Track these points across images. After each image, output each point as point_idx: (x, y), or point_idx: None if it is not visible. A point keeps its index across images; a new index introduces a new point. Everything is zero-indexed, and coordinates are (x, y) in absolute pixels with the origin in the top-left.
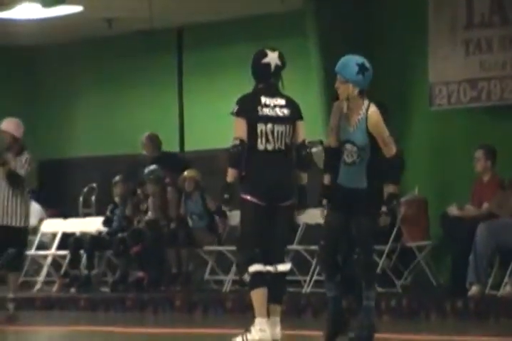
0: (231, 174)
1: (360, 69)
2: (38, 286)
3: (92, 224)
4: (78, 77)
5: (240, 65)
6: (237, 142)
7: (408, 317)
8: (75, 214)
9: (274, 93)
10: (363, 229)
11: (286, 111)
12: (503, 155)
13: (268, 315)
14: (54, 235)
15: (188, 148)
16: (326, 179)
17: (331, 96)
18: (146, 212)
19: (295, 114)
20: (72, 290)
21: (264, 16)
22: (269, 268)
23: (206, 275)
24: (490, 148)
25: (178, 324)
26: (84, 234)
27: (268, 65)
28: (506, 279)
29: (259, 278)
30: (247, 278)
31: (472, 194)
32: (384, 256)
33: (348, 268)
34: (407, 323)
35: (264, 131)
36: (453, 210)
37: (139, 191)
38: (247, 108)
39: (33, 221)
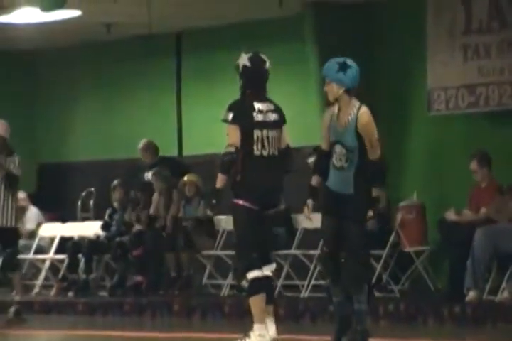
0: (221, 180)
1: (341, 67)
2: (36, 290)
3: (90, 229)
4: (77, 82)
5: None
6: (232, 149)
7: (406, 322)
8: (73, 218)
9: (264, 98)
10: (351, 235)
11: (276, 115)
12: (501, 161)
13: None
14: (52, 239)
15: (186, 152)
16: (314, 180)
17: (329, 101)
18: (139, 219)
19: (282, 118)
20: (70, 294)
21: (263, 21)
22: (266, 272)
23: (204, 280)
24: (482, 155)
25: (177, 328)
26: (82, 238)
27: (267, 71)
28: (504, 284)
29: (257, 285)
30: (245, 284)
31: (470, 199)
32: (382, 261)
33: None
34: (404, 328)
35: (260, 137)
36: (451, 215)
37: (137, 195)
38: (242, 114)
39: (31, 225)
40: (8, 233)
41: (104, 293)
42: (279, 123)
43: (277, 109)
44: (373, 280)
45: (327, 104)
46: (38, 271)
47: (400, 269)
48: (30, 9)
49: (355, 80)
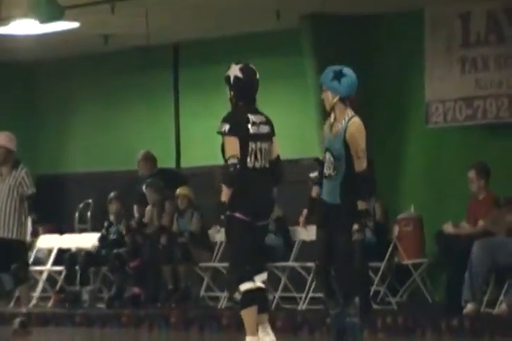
0: (226, 193)
1: (336, 76)
2: (33, 302)
3: (88, 240)
4: (75, 93)
5: None
6: (235, 161)
7: (404, 334)
8: (70, 229)
9: (256, 110)
10: (339, 246)
11: (267, 128)
12: (498, 174)
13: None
14: (50, 251)
15: (184, 164)
16: (314, 191)
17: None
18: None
19: (272, 130)
20: (67, 305)
21: (260, 34)
22: (259, 284)
23: (202, 292)
24: (482, 167)
25: (174, 340)
26: (79, 250)
27: (258, 82)
28: (501, 297)
29: (250, 297)
30: (237, 296)
31: (467, 211)
32: (379, 273)
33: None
34: None
35: (254, 149)
36: (448, 228)
37: (135, 208)
38: (238, 126)
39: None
40: (15, 246)
41: (101, 305)
42: (270, 135)
43: (268, 121)
44: (371, 292)
45: (325, 116)
46: (36, 282)
47: (397, 281)
48: (28, 21)
49: (350, 89)
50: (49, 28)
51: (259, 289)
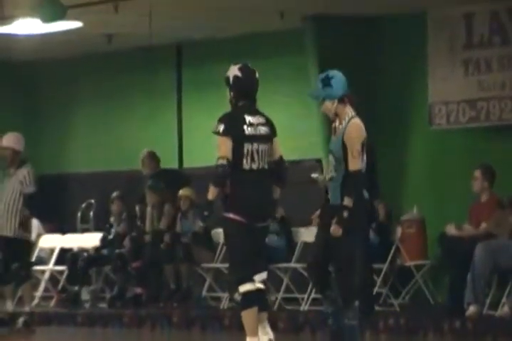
0: (213, 192)
1: (325, 83)
2: (35, 301)
3: (90, 240)
4: (77, 93)
5: None
6: (224, 162)
7: (406, 336)
8: (72, 229)
9: (255, 111)
10: (340, 249)
11: (266, 129)
12: (501, 176)
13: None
14: (52, 250)
15: (186, 164)
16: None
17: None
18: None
19: (273, 131)
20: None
21: (264, 34)
22: (259, 285)
23: (204, 292)
24: (488, 168)
25: (176, 340)
26: (82, 250)
27: (258, 81)
28: (504, 299)
29: (250, 298)
30: (237, 297)
31: (470, 213)
32: (382, 275)
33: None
34: None
35: (250, 151)
36: (451, 230)
37: (137, 208)
38: (233, 127)
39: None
40: (19, 245)
41: (103, 305)
42: (270, 136)
43: (268, 122)
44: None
45: (328, 117)
46: (38, 282)
47: (400, 283)
48: (30, 20)
49: (343, 87)
50: (52, 28)
51: (258, 290)
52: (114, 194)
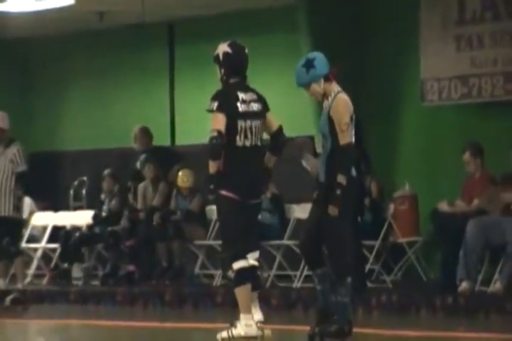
0: (213, 166)
1: (307, 67)
2: (28, 279)
3: (83, 218)
4: (70, 70)
5: None
6: (215, 134)
7: (398, 312)
8: (65, 207)
9: (247, 87)
10: (328, 226)
11: (259, 105)
12: (493, 152)
13: None
14: (44, 228)
15: (178, 142)
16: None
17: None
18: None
19: (265, 107)
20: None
21: (256, 11)
22: (252, 262)
23: (196, 270)
24: (476, 147)
25: (168, 318)
26: (74, 228)
27: (247, 57)
28: (496, 276)
29: (243, 275)
30: (231, 274)
31: (462, 190)
32: (374, 251)
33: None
34: (397, 319)
35: (243, 128)
36: (443, 206)
37: (129, 184)
38: (227, 104)
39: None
40: (11, 223)
41: (96, 283)
42: (262, 112)
43: (260, 98)
44: (366, 270)
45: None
46: (30, 260)
47: (392, 260)
48: None
49: (326, 65)
50: (44, 5)
51: (252, 267)
52: (106, 171)
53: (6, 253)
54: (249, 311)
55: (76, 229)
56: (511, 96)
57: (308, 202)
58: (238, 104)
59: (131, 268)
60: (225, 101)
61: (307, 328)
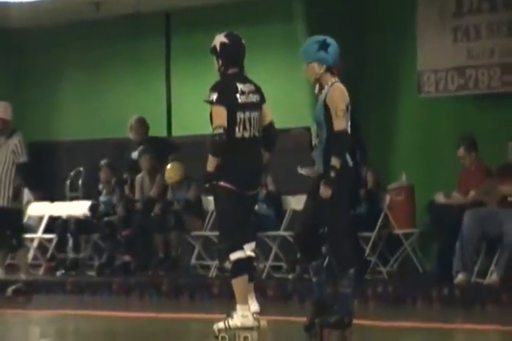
0: (212, 163)
1: (321, 46)
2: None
3: (79, 208)
4: (66, 60)
5: None
6: (222, 131)
7: (394, 304)
8: (61, 197)
9: (245, 78)
10: (326, 217)
11: (257, 96)
12: (489, 143)
13: None
14: (41, 218)
15: (175, 132)
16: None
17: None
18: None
19: (262, 98)
20: (59, 273)
21: (253, 1)
22: (249, 253)
23: (193, 260)
24: (469, 141)
25: (164, 308)
26: (70, 218)
27: (245, 48)
28: (492, 267)
29: (240, 266)
30: (228, 265)
31: (459, 182)
32: (370, 243)
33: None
34: (393, 310)
35: (242, 119)
36: (440, 198)
37: (125, 175)
38: (227, 96)
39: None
40: (12, 214)
41: (92, 273)
42: (260, 104)
43: (257, 90)
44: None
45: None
46: (27, 250)
47: (388, 251)
48: None
49: (336, 57)
50: None
51: (249, 258)
52: (103, 161)
53: (9, 245)
54: (245, 302)
55: (72, 219)
56: (508, 87)
57: (304, 194)
58: (237, 96)
59: (127, 258)
60: (225, 92)
61: (303, 319)
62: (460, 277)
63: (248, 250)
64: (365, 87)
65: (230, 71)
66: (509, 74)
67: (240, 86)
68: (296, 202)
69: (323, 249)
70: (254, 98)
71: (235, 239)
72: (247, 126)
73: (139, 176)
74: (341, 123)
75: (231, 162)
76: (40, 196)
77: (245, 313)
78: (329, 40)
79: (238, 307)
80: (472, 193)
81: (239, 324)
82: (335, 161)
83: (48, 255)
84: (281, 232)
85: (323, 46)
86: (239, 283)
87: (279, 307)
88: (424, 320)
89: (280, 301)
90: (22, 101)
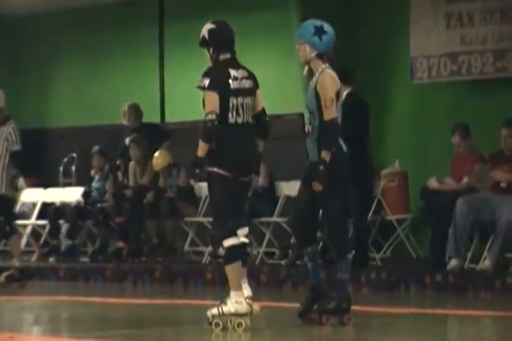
0: (203, 148)
1: (317, 31)
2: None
3: (72, 194)
4: (59, 47)
5: None
6: (213, 117)
7: (387, 290)
8: (55, 183)
9: (238, 64)
10: (323, 203)
11: (250, 82)
12: (482, 129)
13: None
14: (34, 205)
15: (168, 119)
16: None
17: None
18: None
19: (255, 84)
20: (52, 259)
21: None
22: (243, 239)
23: (186, 247)
24: (463, 129)
25: (158, 295)
26: (64, 204)
27: (233, 31)
28: (485, 253)
29: (234, 252)
30: (221, 251)
31: (452, 168)
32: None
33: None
34: (386, 296)
35: (235, 105)
36: (433, 183)
37: (118, 162)
38: (219, 81)
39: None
40: (4, 201)
41: (85, 259)
42: (253, 89)
43: (251, 75)
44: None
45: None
46: (20, 236)
47: (382, 237)
48: None
49: (329, 46)
50: None
51: (242, 244)
52: (94, 148)
53: (2, 232)
54: (239, 288)
55: (66, 205)
56: (501, 73)
57: (298, 180)
58: (230, 81)
59: (120, 244)
60: (217, 78)
61: (296, 305)
62: (453, 263)
63: (241, 235)
64: (357, 73)
65: (222, 57)
66: (502, 60)
67: (232, 71)
68: (289, 188)
69: (318, 234)
70: (247, 84)
71: (229, 225)
72: (240, 112)
73: (131, 163)
74: (330, 112)
75: (225, 148)
76: (34, 182)
77: (239, 299)
78: (327, 28)
79: (232, 293)
80: (465, 179)
81: (233, 310)
82: (324, 154)
83: (41, 241)
84: (275, 218)
85: (319, 32)
86: (233, 270)
87: (272, 293)
88: (418, 306)
89: (273, 287)
90: (16, 87)
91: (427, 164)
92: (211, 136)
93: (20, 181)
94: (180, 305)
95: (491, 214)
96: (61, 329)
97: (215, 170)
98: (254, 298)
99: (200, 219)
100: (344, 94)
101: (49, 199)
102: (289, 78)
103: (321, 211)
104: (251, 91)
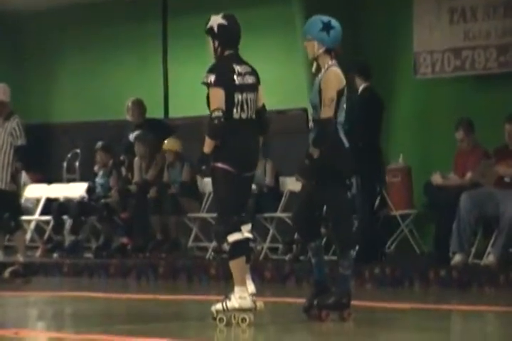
0: (209, 145)
1: (325, 27)
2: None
3: (76, 190)
4: (64, 43)
5: None
6: (220, 113)
7: (391, 285)
8: (58, 179)
9: (241, 60)
10: (326, 199)
11: (253, 78)
12: (486, 124)
13: None
14: (38, 200)
15: (172, 114)
16: None
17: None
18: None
19: (258, 80)
20: (55, 255)
21: None
22: (247, 234)
23: (190, 242)
24: (467, 124)
25: (162, 290)
26: (68, 200)
27: (241, 29)
28: (489, 248)
29: (238, 248)
30: (226, 246)
31: (455, 163)
32: None
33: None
34: (390, 291)
35: (239, 100)
36: (437, 179)
37: (122, 157)
38: (224, 77)
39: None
40: (9, 196)
41: (89, 255)
42: (256, 85)
43: (253, 71)
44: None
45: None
46: (24, 232)
47: (385, 233)
48: None
49: (336, 41)
50: None
51: (246, 239)
52: (98, 144)
53: (7, 228)
54: (243, 283)
55: (69, 201)
56: (504, 68)
57: None
58: (235, 77)
59: (124, 240)
60: (222, 74)
61: (300, 301)
62: (457, 258)
63: (245, 231)
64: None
65: (227, 52)
66: (505, 55)
67: (236, 67)
68: (293, 183)
69: (322, 230)
70: (250, 79)
71: (233, 221)
72: (245, 108)
73: (136, 159)
74: (327, 111)
75: (229, 143)
76: (38, 178)
77: (243, 295)
78: (334, 23)
79: (236, 288)
80: (469, 174)
81: (237, 305)
82: (312, 149)
83: (45, 237)
84: (279, 214)
85: (327, 28)
86: (237, 265)
87: (276, 289)
88: (421, 301)
89: (277, 283)
90: (19, 83)
91: (430, 159)
92: (218, 133)
93: (25, 177)
94: (184, 300)
95: (495, 209)
96: (65, 325)
97: (219, 165)
98: (257, 293)
99: (204, 214)
100: (360, 88)
101: (53, 195)
102: (292, 73)
103: (325, 207)
104: (254, 87)
